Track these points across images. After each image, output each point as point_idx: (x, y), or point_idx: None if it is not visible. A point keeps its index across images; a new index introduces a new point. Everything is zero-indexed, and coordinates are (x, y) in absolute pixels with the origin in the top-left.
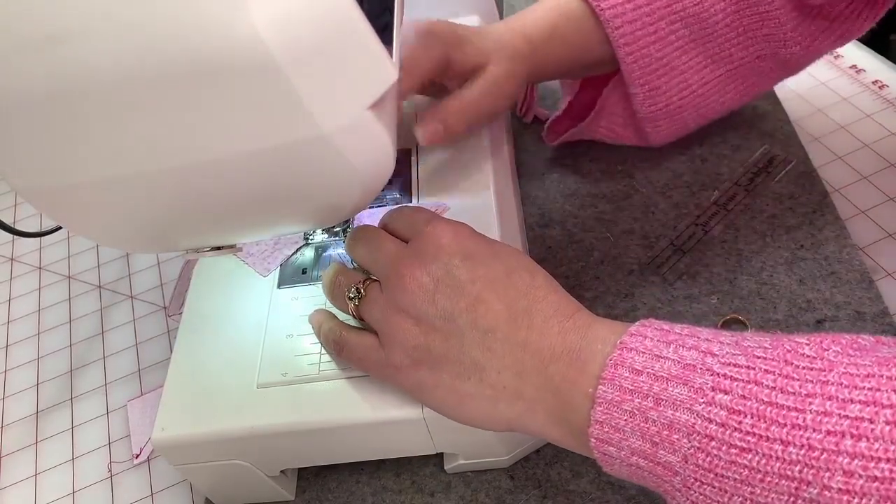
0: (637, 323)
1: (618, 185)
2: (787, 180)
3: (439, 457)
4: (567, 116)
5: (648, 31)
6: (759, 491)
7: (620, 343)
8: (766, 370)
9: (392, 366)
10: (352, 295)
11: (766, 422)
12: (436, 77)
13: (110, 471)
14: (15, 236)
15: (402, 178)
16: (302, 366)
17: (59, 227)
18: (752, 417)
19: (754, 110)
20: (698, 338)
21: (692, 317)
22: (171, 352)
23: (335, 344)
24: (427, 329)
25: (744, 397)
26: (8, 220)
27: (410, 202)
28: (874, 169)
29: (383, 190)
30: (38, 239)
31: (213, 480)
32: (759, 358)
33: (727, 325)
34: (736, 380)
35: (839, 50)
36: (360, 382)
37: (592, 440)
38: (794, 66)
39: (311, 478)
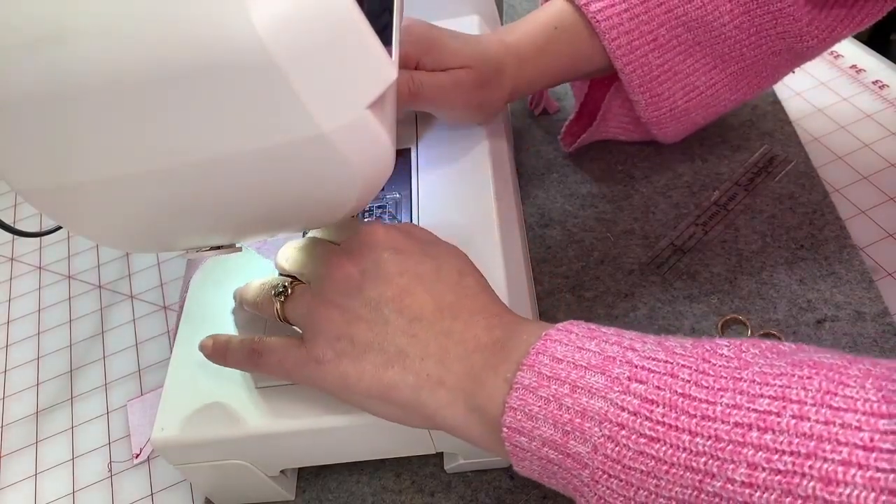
0: (566, 322)
1: (618, 185)
2: (787, 180)
3: (439, 457)
4: (582, 116)
5: (647, 39)
6: (663, 483)
7: (545, 335)
8: (683, 365)
9: (314, 360)
10: (279, 290)
11: (676, 412)
12: None
13: (110, 471)
14: (15, 236)
15: (401, 178)
16: None
17: (59, 227)
18: (664, 407)
19: (754, 110)
20: (622, 336)
21: (692, 317)
22: (171, 352)
23: (252, 352)
24: (352, 318)
25: (658, 388)
26: (8, 220)
27: (410, 203)
28: (874, 169)
29: (383, 190)
30: (38, 239)
31: (213, 480)
32: (678, 355)
33: (727, 325)
34: (653, 372)
35: (839, 50)
36: None
37: (504, 430)
38: (810, 56)
39: (311, 478)
